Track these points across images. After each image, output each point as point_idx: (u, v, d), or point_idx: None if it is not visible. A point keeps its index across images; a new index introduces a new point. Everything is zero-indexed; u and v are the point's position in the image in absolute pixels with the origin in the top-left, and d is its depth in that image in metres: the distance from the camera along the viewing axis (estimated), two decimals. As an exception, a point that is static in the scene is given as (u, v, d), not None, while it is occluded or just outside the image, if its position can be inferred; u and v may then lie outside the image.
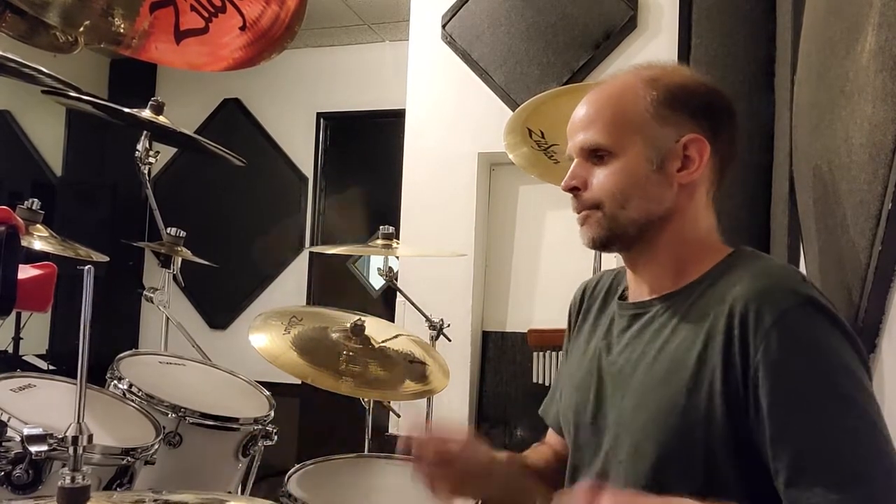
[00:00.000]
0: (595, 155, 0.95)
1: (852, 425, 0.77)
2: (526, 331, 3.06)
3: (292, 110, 4.95)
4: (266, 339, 1.75)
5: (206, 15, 1.14)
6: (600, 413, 0.96)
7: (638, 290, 1.01)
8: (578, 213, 0.97)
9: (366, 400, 2.10)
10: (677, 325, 0.90)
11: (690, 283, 0.93)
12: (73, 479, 0.70)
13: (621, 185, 0.93)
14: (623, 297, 1.04)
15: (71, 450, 0.71)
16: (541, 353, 2.59)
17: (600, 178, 0.94)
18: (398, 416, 3.07)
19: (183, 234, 2.12)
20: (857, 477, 0.75)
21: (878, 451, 0.77)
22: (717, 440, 0.83)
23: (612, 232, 0.94)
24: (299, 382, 1.76)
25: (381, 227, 2.29)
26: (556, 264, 3.36)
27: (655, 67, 0.97)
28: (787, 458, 0.78)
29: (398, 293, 2.74)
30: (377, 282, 4.78)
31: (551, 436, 1.19)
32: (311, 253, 4.84)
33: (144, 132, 2.06)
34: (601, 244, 0.96)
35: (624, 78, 0.97)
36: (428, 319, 2.39)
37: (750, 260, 0.91)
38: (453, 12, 3.46)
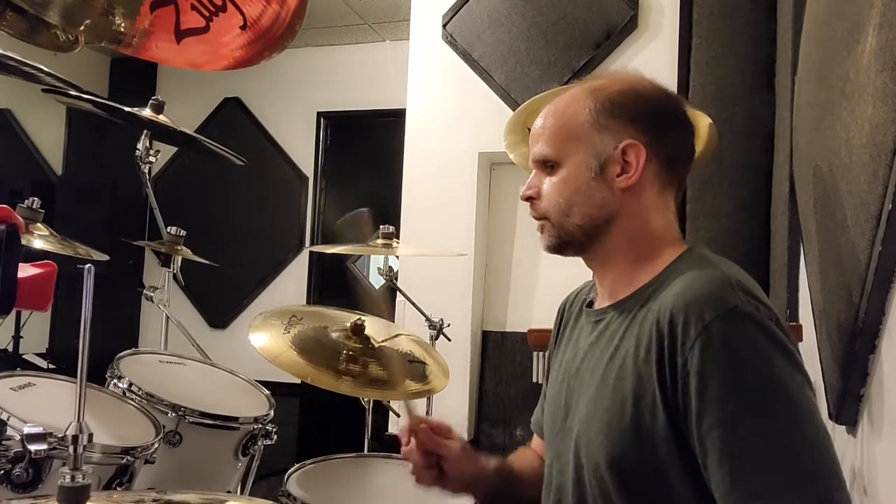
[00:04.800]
0: (546, 165, 1.00)
1: (770, 435, 0.78)
2: (526, 330, 3.06)
3: (293, 109, 4.95)
4: (266, 338, 1.74)
5: (207, 14, 1.14)
6: (567, 420, 0.99)
7: (601, 297, 1.04)
8: (536, 220, 1.03)
9: (366, 399, 2.09)
10: (626, 332, 0.92)
11: (641, 288, 0.95)
12: (73, 478, 0.70)
13: (564, 193, 0.98)
14: (591, 305, 1.07)
15: (71, 449, 0.71)
16: (541, 353, 2.59)
17: (547, 188, 1.00)
18: (398, 415, 3.07)
19: (183, 233, 2.12)
20: (760, 490, 0.76)
21: (793, 459, 0.78)
22: (663, 445, 0.84)
23: (562, 239, 1.00)
24: (299, 382, 1.75)
25: (381, 226, 2.29)
26: (556, 264, 3.34)
27: (602, 78, 1.02)
28: (710, 469, 0.80)
29: (398, 293, 2.74)
30: (377, 281, 4.78)
31: (536, 440, 1.22)
32: (311, 252, 4.84)
33: (145, 131, 2.06)
34: (555, 250, 1.02)
35: (572, 90, 1.02)
36: (428, 319, 2.39)
37: (690, 264, 0.93)
38: (454, 12, 3.46)
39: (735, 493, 0.78)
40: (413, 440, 1.06)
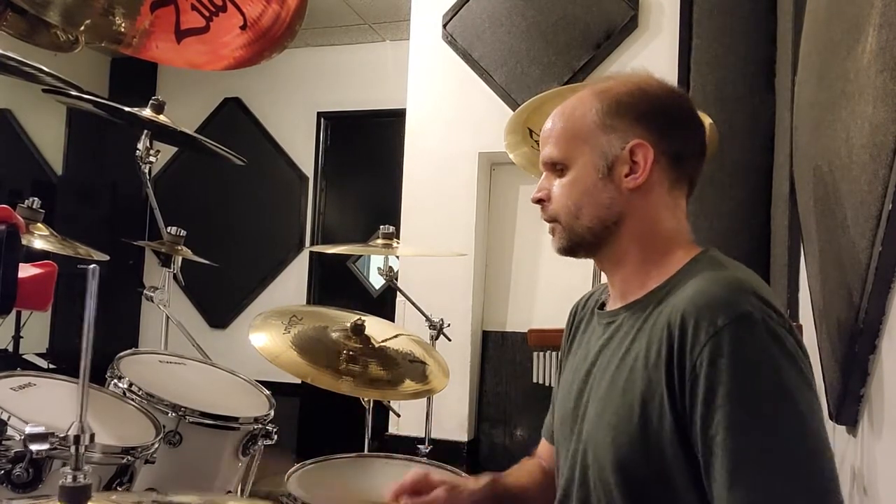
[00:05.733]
0: (555, 168, 1.01)
1: (773, 445, 0.78)
2: (526, 331, 3.07)
3: (293, 109, 4.95)
4: (266, 338, 1.74)
5: (207, 14, 1.14)
6: (577, 422, 0.98)
7: (613, 299, 1.04)
8: (547, 223, 1.03)
9: (366, 400, 2.10)
10: (637, 334, 0.92)
11: (653, 290, 0.95)
12: (74, 478, 0.70)
13: (573, 195, 0.98)
14: (603, 307, 1.06)
15: (73, 449, 0.71)
16: (541, 353, 2.59)
17: (556, 191, 1.00)
18: (398, 415, 3.07)
19: (183, 233, 2.11)
20: (758, 497, 0.76)
21: (794, 469, 0.77)
22: (669, 450, 0.84)
23: (572, 241, 1.00)
24: (299, 382, 1.76)
25: (381, 226, 2.29)
26: (556, 264, 3.37)
27: (610, 79, 1.02)
28: (711, 473, 0.80)
29: (398, 293, 2.74)
30: (377, 281, 4.78)
31: (542, 446, 1.21)
32: (311, 252, 4.84)
33: (145, 131, 2.06)
34: (566, 252, 1.02)
35: (579, 93, 1.02)
36: (428, 319, 2.39)
37: (703, 267, 0.92)
38: (454, 12, 3.46)
39: (733, 499, 0.77)
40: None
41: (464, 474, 1.39)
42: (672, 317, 0.86)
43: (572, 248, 1.00)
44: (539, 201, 1.02)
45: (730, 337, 0.80)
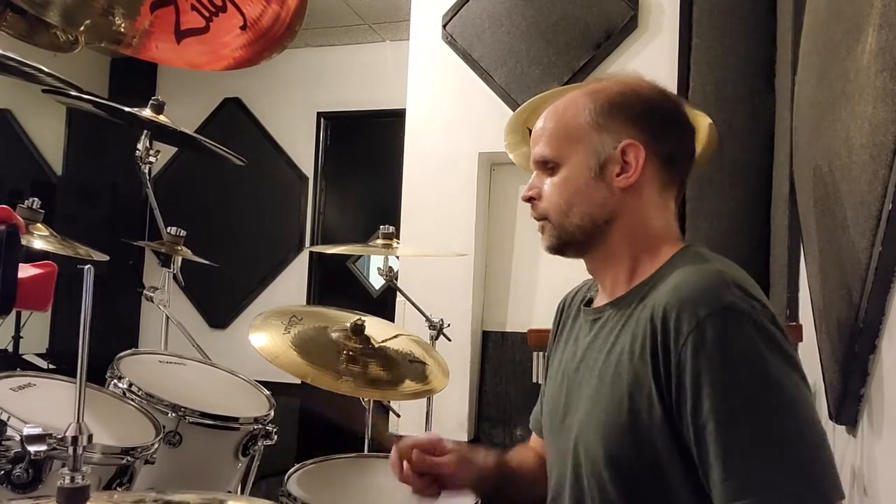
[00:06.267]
0: (546, 166, 1.02)
1: (763, 432, 0.78)
2: (526, 331, 3.07)
3: (293, 110, 4.95)
4: (266, 338, 1.74)
5: (207, 14, 1.14)
6: (566, 419, 0.99)
7: (601, 296, 1.05)
8: (537, 221, 1.04)
9: (366, 400, 2.10)
10: (622, 329, 0.93)
11: (638, 285, 0.96)
12: (72, 479, 0.70)
13: (564, 194, 0.99)
14: (590, 303, 1.07)
15: (71, 449, 0.71)
16: (541, 353, 2.59)
17: (547, 189, 1.01)
18: (398, 415, 3.07)
19: (183, 233, 2.12)
20: (753, 486, 0.77)
21: (787, 456, 0.78)
22: (660, 442, 0.84)
23: (562, 239, 1.01)
24: (299, 382, 1.76)
25: (381, 226, 2.29)
26: (555, 264, 3.35)
27: (602, 80, 1.03)
28: (705, 464, 0.80)
29: (398, 293, 2.74)
30: (377, 281, 4.78)
31: (533, 439, 1.23)
32: (311, 252, 4.84)
33: (145, 131, 2.06)
34: (555, 251, 1.03)
35: (571, 93, 1.03)
36: (428, 319, 2.39)
37: (686, 261, 0.93)
38: (454, 12, 3.46)
39: (728, 488, 0.78)
40: (407, 466, 1.06)
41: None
42: (655, 309, 0.87)
43: (561, 246, 1.01)
44: (530, 199, 1.03)
45: (713, 328, 0.81)
